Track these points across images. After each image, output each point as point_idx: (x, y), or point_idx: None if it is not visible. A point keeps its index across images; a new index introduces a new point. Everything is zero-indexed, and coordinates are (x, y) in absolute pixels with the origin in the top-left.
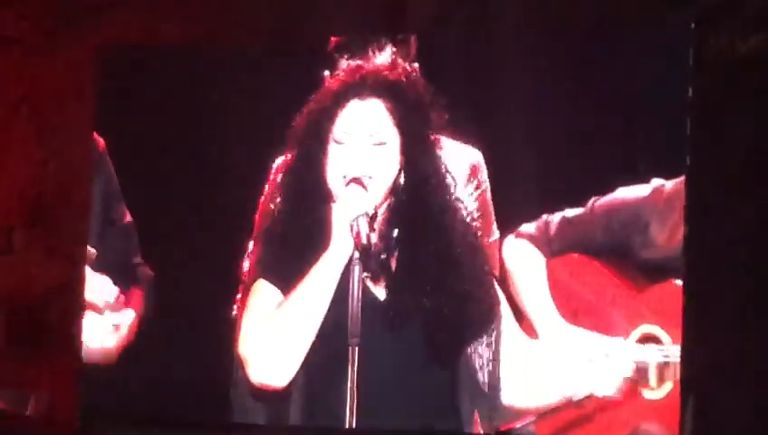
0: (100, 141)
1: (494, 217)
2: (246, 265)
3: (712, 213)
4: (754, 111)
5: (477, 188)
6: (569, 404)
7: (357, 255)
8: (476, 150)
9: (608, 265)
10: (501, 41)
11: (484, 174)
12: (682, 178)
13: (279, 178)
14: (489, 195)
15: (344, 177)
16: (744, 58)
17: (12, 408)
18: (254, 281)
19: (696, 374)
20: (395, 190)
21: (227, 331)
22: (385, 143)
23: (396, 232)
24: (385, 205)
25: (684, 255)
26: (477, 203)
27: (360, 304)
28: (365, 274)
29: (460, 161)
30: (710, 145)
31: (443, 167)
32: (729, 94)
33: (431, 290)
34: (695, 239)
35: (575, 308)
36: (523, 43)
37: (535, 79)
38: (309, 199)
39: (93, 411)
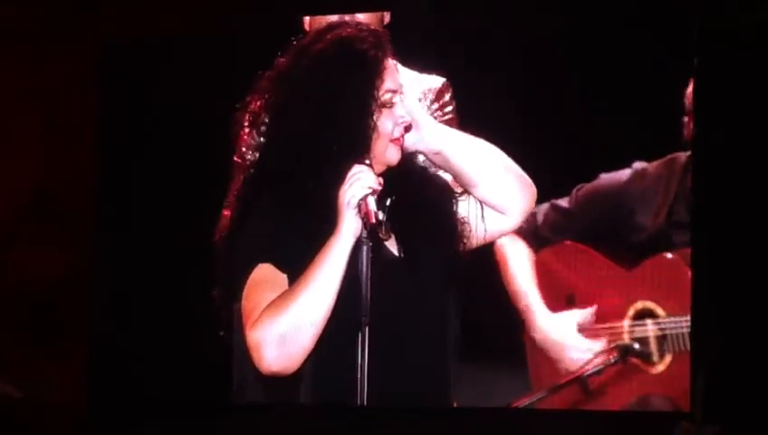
0: None
1: None
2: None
3: (719, 186)
4: (759, 82)
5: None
6: (575, 381)
7: (365, 234)
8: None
9: (597, 249)
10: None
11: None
12: (662, 161)
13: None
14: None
15: None
16: (749, 29)
17: (23, 396)
18: (251, 265)
19: (708, 350)
20: None
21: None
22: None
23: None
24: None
25: (692, 231)
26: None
27: (369, 284)
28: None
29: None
30: (716, 117)
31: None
32: (734, 64)
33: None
34: (702, 215)
35: (570, 295)
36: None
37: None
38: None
39: (102, 399)
